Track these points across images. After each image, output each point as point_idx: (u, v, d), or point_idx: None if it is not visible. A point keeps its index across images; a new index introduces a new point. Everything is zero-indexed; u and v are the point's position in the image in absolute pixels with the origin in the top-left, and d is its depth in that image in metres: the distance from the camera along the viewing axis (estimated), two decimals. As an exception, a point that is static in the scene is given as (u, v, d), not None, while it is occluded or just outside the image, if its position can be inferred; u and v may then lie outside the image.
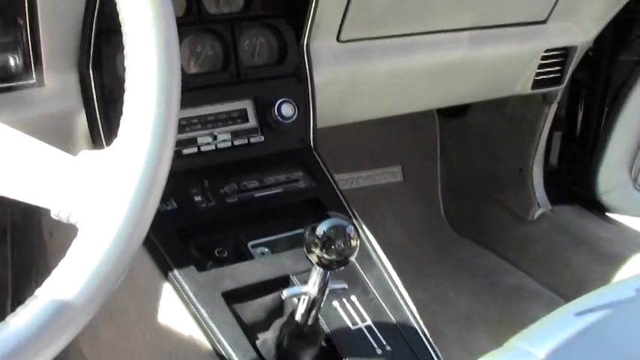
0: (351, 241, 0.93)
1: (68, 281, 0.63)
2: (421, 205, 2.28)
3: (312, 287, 0.99)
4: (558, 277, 2.04)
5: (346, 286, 1.06)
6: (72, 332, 0.63)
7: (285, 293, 1.01)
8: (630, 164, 2.04)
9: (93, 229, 0.65)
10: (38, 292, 0.63)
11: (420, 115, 2.20)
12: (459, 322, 1.94)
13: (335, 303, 1.15)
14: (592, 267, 1.98)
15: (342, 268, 0.95)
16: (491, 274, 2.13)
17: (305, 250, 0.94)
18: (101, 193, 0.66)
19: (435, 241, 2.23)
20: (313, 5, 1.33)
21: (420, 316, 1.19)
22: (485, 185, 2.22)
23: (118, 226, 0.65)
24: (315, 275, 0.98)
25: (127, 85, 0.70)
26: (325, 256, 0.93)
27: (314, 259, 0.94)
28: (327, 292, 0.99)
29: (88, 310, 0.63)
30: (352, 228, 0.94)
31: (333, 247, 0.92)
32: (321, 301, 1.00)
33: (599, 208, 2.09)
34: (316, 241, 0.92)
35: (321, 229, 0.92)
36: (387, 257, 1.27)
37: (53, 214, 0.67)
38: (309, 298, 1.00)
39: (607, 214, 2.10)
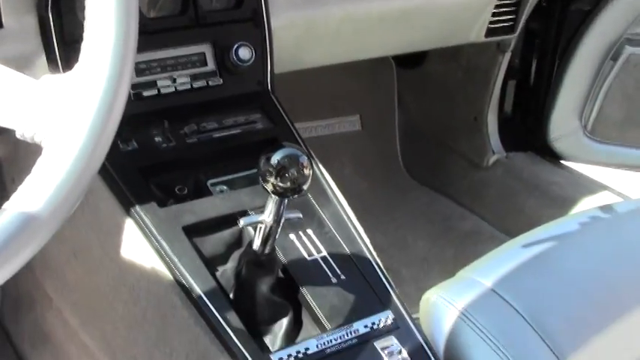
0: (305, 169, 0.97)
1: (34, 195, 0.67)
2: (379, 153, 2.33)
3: (267, 216, 1.03)
4: (512, 220, 2.11)
5: (301, 215, 1.10)
6: (37, 244, 0.67)
7: (243, 222, 1.05)
8: (580, 112, 2.10)
9: (57, 148, 0.68)
10: (5, 205, 0.67)
11: (378, 65, 2.25)
12: (416, 265, 2.00)
13: (292, 236, 1.20)
14: (544, 210, 2.05)
15: (297, 196, 0.99)
16: (447, 219, 2.19)
17: (260, 179, 0.98)
18: (64, 113, 0.69)
19: (393, 188, 2.29)
20: (269, -51, 1.36)
21: (379, 260, 1.23)
22: (441, 133, 2.28)
23: (80, 144, 0.69)
24: (271, 204, 1.02)
25: (87, 14, 0.73)
26: (280, 184, 0.97)
27: (269, 187, 0.98)
28: (282, 221, 1.04)
29: (52, 222, 0.67)
30: (305, 158, 0.98)
31: (287, 175, 0.96)
32: (277, 229, 1.05)
33: (551, 155, 2.16)
34: (271, 169, 0.96)
35: (276, 158, 0.97)
36: (347, 204, 1.32)
37: (18, 134, 0.70)
38: (265, 226, 1.04)
39: (559, 160, 2.16)
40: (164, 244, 1.13)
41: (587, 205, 1.99)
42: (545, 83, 2.11)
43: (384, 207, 2.20)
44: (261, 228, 1.05)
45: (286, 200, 1.02)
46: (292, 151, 0.98)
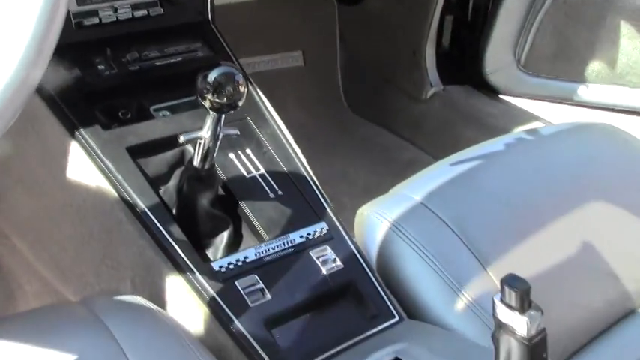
0: (240, 87, 1.04)
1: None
2: (321, 88, 2.39)
3: (206, 132, 1.09)
4: (449, 150, 2.15)
5: (238, 132, 1.16)
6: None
7: (182, 138, 1.11)
8: (514, 46, 2.16)
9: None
10: None
11: (320, 2, 2.30)
12: (357, 194, 2.06)
13: (231, 155, 1.26)
14: (480, 140, 2.12)
15: (232, 112, 1.06)
16: (388, 151, 2.27)
17: (198, 96, 1.04)
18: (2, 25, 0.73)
19: (335, 122, 2.35)
20: None
21: (322, 189, 1.29)
22: (382, 68, 2.34)
23: (20, 55, 0.72)
24: (209, 120, 1.08)
25: None
26: (217, 100, 1.03)
27: (207, 104, 1.04)
28: (220, 137, 1.10)
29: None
30: (241, 76, 1.04)
31: (223, 92, 1.02)
32: (216, 145, 1.11)
33: (487, 88, 2.23)
34: (208, 87, 1.02)
35: (212, 75, 1.02)
36: (285, 126, 1.38)
37: None
38: (204, 142, 1.10)
39: (495, 93, 2.24)
40: (109, 164, 1.19)
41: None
42: (480, 18, 2.18)
43: (326, 140, 2.27)
44: (200, 144, 1.11)
45: (223, 116, 1.08)
46: (228, 69, 1.04)
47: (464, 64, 2.26)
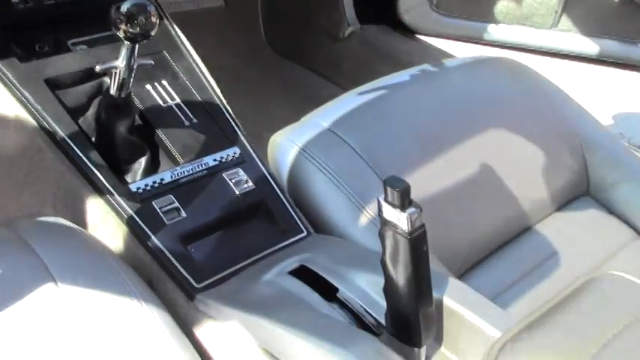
0: (152, 17, 1.09)
1: None
2: (243, 28, 2.44)
3: (121, 62, 1.15)
4: (366, 86, 2.27)
5: (152, 62, 1.22)
6: None
7: (99, 67, 1.16)
8: (427, -14, 2.25)
9: None
10: None
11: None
12: (277, 129, 2.14)
13: (147, 86, 1.32)
14: (394, 75, 2.22)
15: (145, 41, 1.11)
16: (307, 88, 2.34)
17: (113, 27, 1.09)
18: None
19: (257, 61, 2.41)
20: None
21: (242, 126, 1.36)
22: (302, 8, 2.40)
23: None
24: (124, 50, 1.14)
25: None
26: (130, 30, 1.08)
27: (121, 34, 1.09)
28: (135, 66, 1.16)
29: None
30: (153, 7, 1.09)
31: (135, 21, 1.08)
32: (131, 75, 1.16)
33: (402, 27, 2.32)
34: (121, 17, 1.08)
35: (125, 6, 1.08)
36: (200, 59, 1.44)
37: None
38: (120, 71, 1.16)
39: (409, 32, 2.32)
40: (27, 94, 1.23)
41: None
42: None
43: (247, 79, 2.32)
44: (115, 73, 1.17)
45: (137, 46, 1.14)
46: (140, 0, 1.09)
47: (380, 3, 2.33)
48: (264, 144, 1.57)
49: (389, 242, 0.87)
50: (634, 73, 2.15)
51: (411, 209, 0.84)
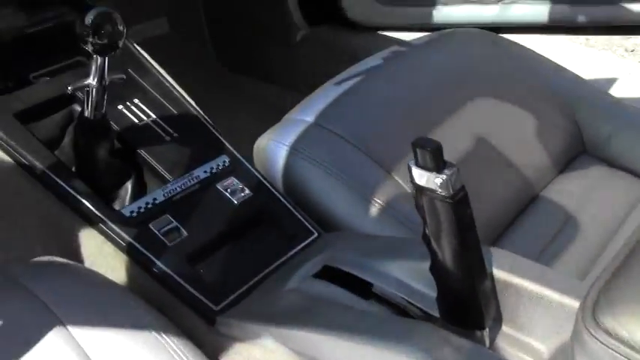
0: (118, 25, 1.02)
1: None
2: (192, 50, 2.36)
3: (93, 78, 1.07)
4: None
5: (124, 76, 1.14)
6: None
7: (70, 87, 1.08)
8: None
9: None
10: None
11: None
12: (248, 145, 2.07)
13: (120, 107, 1.24)
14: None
15: (114, 53, 1.04)
16: (268, 100, 2.27)
17: (80, 42, 1.02)
18: None
19: (212, 81, 2.33)
20: None
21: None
22: (248, 20, 2.33)
23: None
24: (94, 66, 1.06)
25: None
26: (98, 42, 1.01)
27: (89, 47, 1.02)
28: (107, 81, 1.08)
29: None
30: (118, 14, 1.02)
31: (102, 31, 1.00)
32: (104, 91, 1.09)
33: (350, 24, 2.26)
34: (87, 30, 1.00)
35: (90, 17, 1.00)
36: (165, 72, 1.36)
37: None
38: (93, 89, 1.08)
39: (359, 27, 2.27)
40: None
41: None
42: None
43: (205, 102, 2.24)
44: (88, 91, 1.09)
45: (107, 59, 1.06)
46: (104, 8, 1.02)
47: (323, 3, 2.27)
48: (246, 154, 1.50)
49: (429, 212, 0.80)
50: (585, 37, 2.14)
51: (448, 170, 0.77)
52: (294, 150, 1.25)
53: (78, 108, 1.21)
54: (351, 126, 1.29)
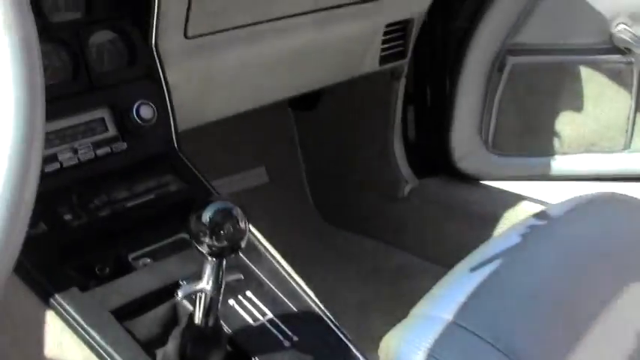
0: (240, 223, 0.88)
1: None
2: (291, 203, 2.26)
3: (207, 282, 0.93)
4: (437, 247, 2.05)
5: (242, 276, 1.00)
6: None
7: (180, 294, 0.94)
8: (479, 127, 2.06)
9: None
10: None
11: (274, 113, 2.19)
12: (352, 310, 1.92)
13: (231, 301, 1.10)
14: (467, 231, 2.00)
15: (233, 255, 0.90)
16: (373, 258, 2.13)
17: (194, 241, 0.88)
18: None
19: (311, 235, 2.21)
20: (157, 3, 1.28)
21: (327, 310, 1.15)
22: (350, 172, 2.23)
23: None
24: (209, 268, 0.92)
25: None
26: (216, 244, 0.87)
27: (205, 249, 0.88)
28: (223, 286, 0.94)
29: None
30: (239, 209, 0.89)
31: (222, 232, 0.87)
32: (219, 296, 0.94)
33: (462, 175, 2.12)
34: (204, 229, 0.87)
35: (207, 215, 0.87)
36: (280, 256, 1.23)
37: None
38: (206, 295, 0.94)
39: (470, 179, 2.12)
40: (93, 333, 1.01)
41: (508, 218, 1.96)
42: (440, 103, 2.09)
43: (306, 257, 2.11)
44: (201, 297, 0.94)
45: (224, 261, 0.92)
46: (223, 204, 0.89)
47: (433, 153, 2.14)
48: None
49: None
50: None
51: None
52: (429, 355, 1.08)
53: (186, 303, 1.06)
54: (494, 325, 1.12)
